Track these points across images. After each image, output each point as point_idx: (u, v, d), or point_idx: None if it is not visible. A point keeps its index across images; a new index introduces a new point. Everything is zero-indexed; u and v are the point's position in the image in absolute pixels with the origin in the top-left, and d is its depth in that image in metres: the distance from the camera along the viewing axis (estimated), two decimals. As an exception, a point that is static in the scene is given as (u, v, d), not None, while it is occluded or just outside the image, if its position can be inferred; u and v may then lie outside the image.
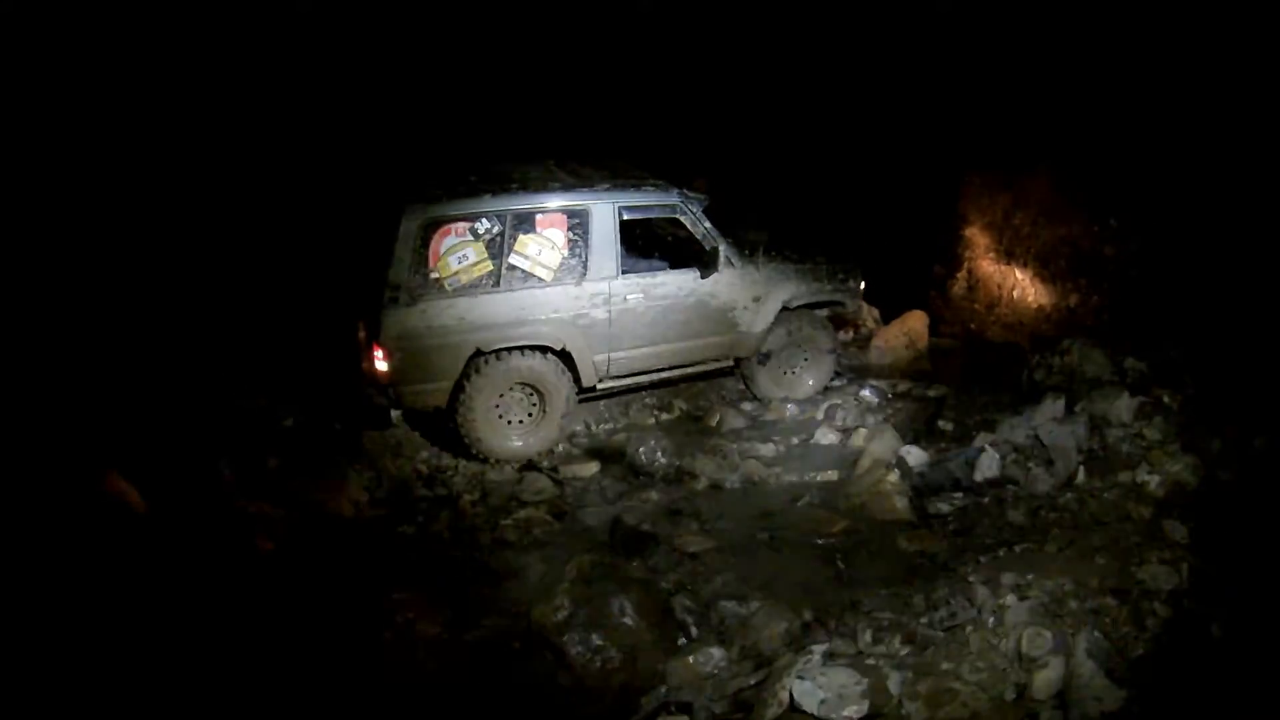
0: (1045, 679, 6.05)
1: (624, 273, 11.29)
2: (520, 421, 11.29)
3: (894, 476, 9.32)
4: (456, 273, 10.43)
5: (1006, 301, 14.53)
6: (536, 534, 9.46)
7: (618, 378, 11.77)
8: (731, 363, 12.53)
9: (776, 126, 17.53)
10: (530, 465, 11.09)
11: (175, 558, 8.27)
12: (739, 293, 11.90)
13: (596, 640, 6.98)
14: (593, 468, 11.00)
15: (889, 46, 15.56)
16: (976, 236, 15.28)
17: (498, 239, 10.55)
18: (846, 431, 11.27)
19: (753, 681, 6.74)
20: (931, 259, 16.03)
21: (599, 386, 11.69)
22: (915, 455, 9.76)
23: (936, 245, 15.92)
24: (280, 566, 8.75)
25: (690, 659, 7.05)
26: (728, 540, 8.88)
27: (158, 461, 9.73)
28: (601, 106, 17.31)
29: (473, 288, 10.58)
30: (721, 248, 11.50)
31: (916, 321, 14.05)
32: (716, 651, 7.11)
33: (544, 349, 11.06)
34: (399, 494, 10.53)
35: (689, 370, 12.33)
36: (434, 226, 10.30)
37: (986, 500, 8.86)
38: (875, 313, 15.16)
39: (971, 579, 7.25)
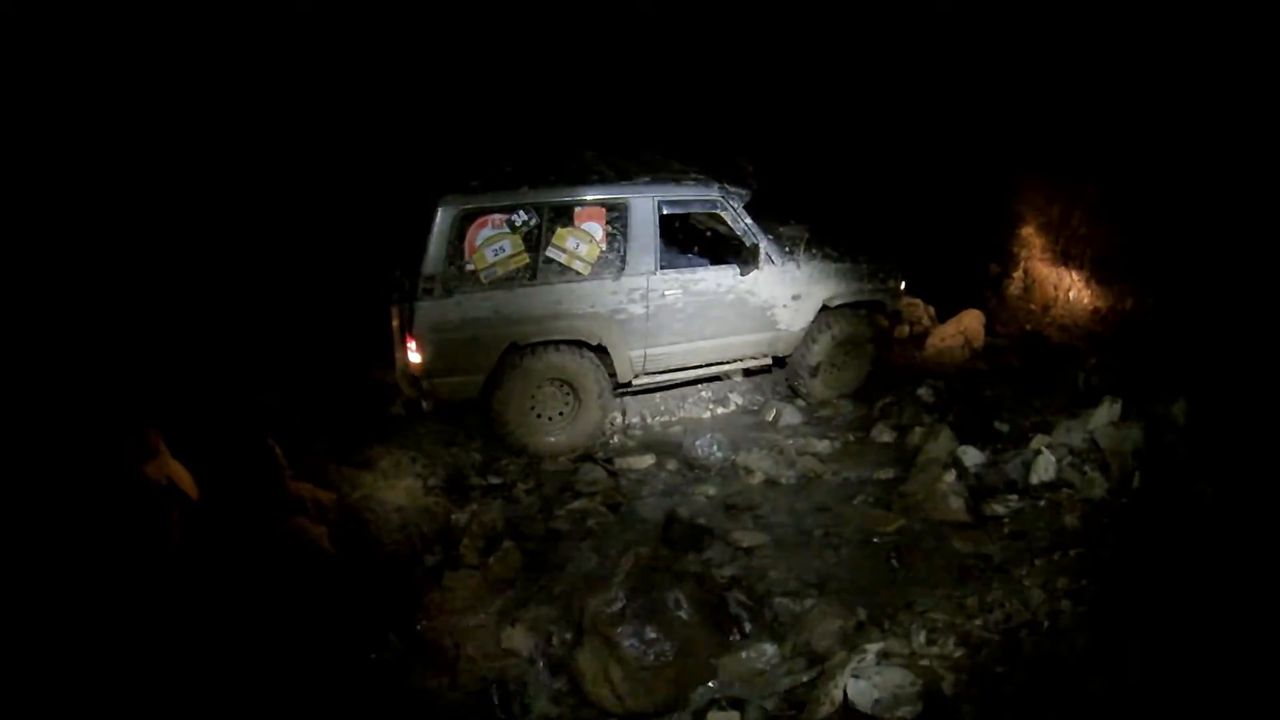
0: (1100, 685, 6.03)
1: (663, 268, 11.17)
2: (554, 417, 11.26)
3: (950, 476, 9.27)
4: (492, 265, 10.35)
5: (1062, 302, 14.44)
6: (590, 525, 9.49)
7: (654, 374, 11.69)
8: (769, 360, 12.48)
9: (837, 127, 17.50)
10: (586, 456, 11.09)
11: (232, 546, 8.33)
12: (779, 291, 11.82)
13: (650, 633, 6.95)
14: (648, 460, 10.91)
15: (949, 46, 15.49)
16: (1033, 236, 15.20)
17: (535, 231, 10.48)
18: (902, 430, 11.22)
19: (805, 679, 6.76)
20: (987, 258, 15.96)
21: (635, 383, 11.63)
22: (972, 455, 9.69)
23: (993, 245, 15.84)
24: (333, 556, 8.78)
25: (743, 655, 7.08)
26: (783, 536, 8.90)
27: (206, 444, 9.83)
28: (648, 100, 17.31)
29: (508, 280, 10.50)
30: (762, 245, 11.42)
31: (972, 321, 14.01)
32: (769, 648, 7.13)
33: (580, 344, 11.01)
34: (453, 482, 10.51)
35: (726, 367, 12.30)
36: (470, 218, 10.23)
37: (1042, 503, 8.76)
38: (931, 310, 15.11)
39: (1026, 582, 7.24)
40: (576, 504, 9.91)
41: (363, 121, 15.29)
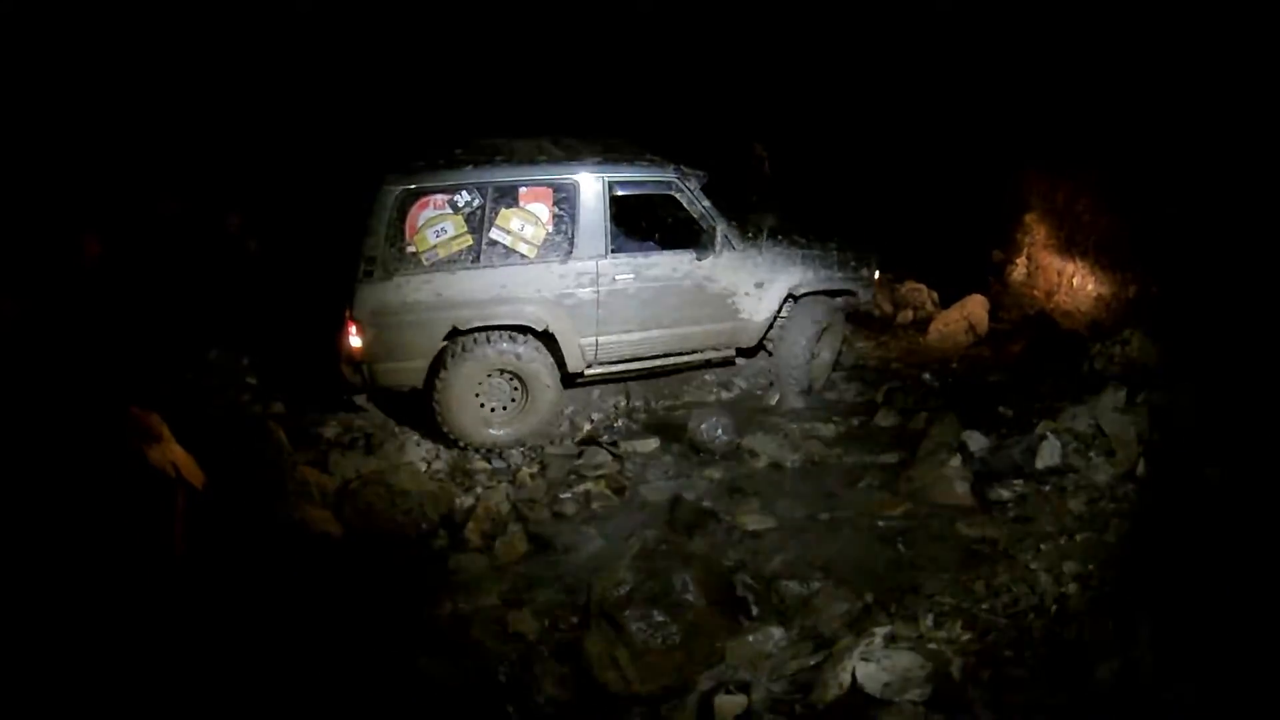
0: (1109, 668, 6.03)
1: (614, 251, 10.88)
2: (502, 409, 10.91)
3: (955, 461, 9.26)
4: (434, 247, 10.16)
5: (1066, 289, 14.45)
6: (595, 508, 9.47)
7: (607, 364, 11.32)
8: (733, 353, 12.03)
9: (843, 117, 17.53)
10: (590, 440, 11.04)
11: (237, 531, 8.34)
12: (740, 277, 11.48)
13: (657, 616, 6.97)
14: (653, 444, 10.84)
15: (954, 36, 15.50)
16: (1037, 223, 15.21)
17: (478, 213, 10.27)
18: (907, 414, 11.20)
19: (812, 662, 6.74)
20: (991, 244, 15.97)
21: (586, 373, 11.26)
22: (976, 440, 9.67)
23: (997, 231, 15.85)
24: (338, 540, 8.87)
25: (750, 638, 7.06)
26: (788, 520, 8.87)
27: (209, 429, 9.85)
28: (655, 92, 17.35)
29: (451, 263, 10.26)
30: (720, 228, 11.15)
31: (976, 306, 14.03)
32: (777, 631, 7.11)
33: (525, 329, 10.67)
34: (457, 466, 10.54)
35: (686, 359, 11.79)
36: (412, 198, 10.07)
37: (1047, 488, 8.76)
38: (934, 296, 15.15)
39: (1033, 566, 7.25)
40: (582, 487, 9.85)
41: (358, 110, 15.30)
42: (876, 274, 12.67)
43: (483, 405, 10.78)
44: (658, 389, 11.95)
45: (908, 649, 6.35)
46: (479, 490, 9.93)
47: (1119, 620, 6.33)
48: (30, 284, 11.80)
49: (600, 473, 10.16)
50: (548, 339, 10.76)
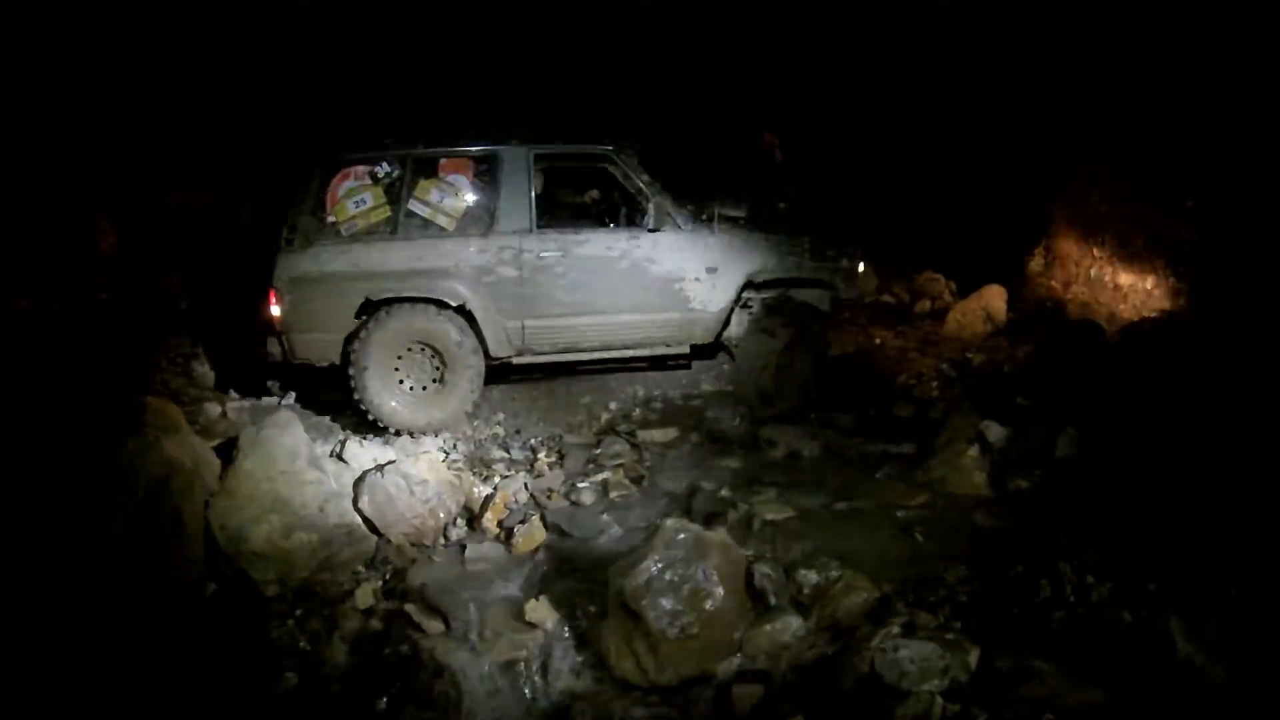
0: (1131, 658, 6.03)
1: (541, 227, 10.54)
2: (422, 388, 10.61)
3: (973, 451, 9.22)
4: (353, 218, 10.13)
5: (1084, 280, 14.42)
6: (614, 498, 9.48)
7: (539, 352, 10.92)
8: (687, 349, 11.28)
9: (854, 110, 17.53)
10: (608, 429, 11.02)
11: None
12: (687, 260, 10.84)
13: (676, 606, 6.93)
14: (671, 433, 10.82)
15: (970, 24, 15.46)
16: (1054, 213, 15.19)
17: (397, 184, 10.21)
18: (924, 404, 11.19)
19: (831, 652, 6.75)
20: (1009, 234, 15.93)
21: (516, 360, 10.92)
22: (995, 431, 9.62)
23: (1014, 221, 15.81)
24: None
25: (768, 628, 7.04)
26: (806, 509, 8.83)
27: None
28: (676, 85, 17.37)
29: (369, 234, 10.21)
30: (656, 202, 10.64)
31: (994, 296, 14.00)
32: (795, 621, 7.09)
33: (440, 304, 10.38)
34: (475, 455, 10.60)
35: (634, 352, 11.16)
36: (333, 169, 10.07)
37: (1067, 478, 8.78)
38: (952, 286, 15.14)
39: (1053, 558, 7.23)
40: (599, 477, 9.85)
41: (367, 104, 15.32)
42: (860, 266, 11.87)
43: (402, 382, 10.55)
44: (675, 378, 11.88)
45: (926, 639, 6.32)
46: (497, 480, 9.97)
47: (1146, 614, 6.32)
48: (47, 275, 11.85)
49: (618, 462, 10.16)
50: (469, 318, 10.49)
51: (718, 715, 6.68)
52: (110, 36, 13.37)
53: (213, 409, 10.91)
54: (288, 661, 7.71)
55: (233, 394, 11.37)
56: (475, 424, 11.11)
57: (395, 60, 16.44)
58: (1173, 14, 11.54)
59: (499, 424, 11.24)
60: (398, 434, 10.47)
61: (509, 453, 10.66)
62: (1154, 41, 12.00)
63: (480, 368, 10.61)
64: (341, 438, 10.22)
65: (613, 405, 11.54)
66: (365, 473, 9.30)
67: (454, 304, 10.36)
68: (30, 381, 10.57)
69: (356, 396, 10.33)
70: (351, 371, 10.25)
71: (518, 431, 11.18)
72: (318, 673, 7.63)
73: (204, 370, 11.84)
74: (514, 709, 7.08)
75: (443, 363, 10.52)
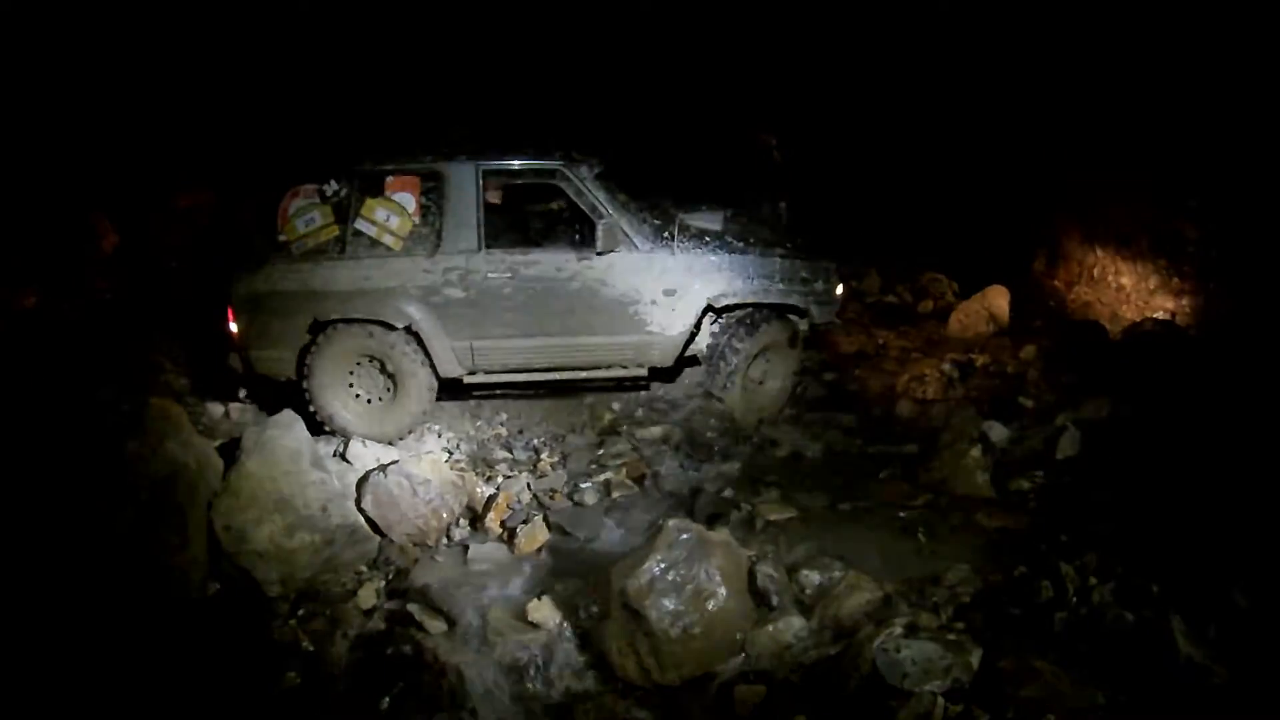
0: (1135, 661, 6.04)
1: (488, 247, 10.19)
2: (377, 399, 10.52)
3: (976, 452, 9.22)
4: (303, 236, 10.02)
5: (1087, 280, 14.44)
6: (616, 498, 9.46)
7: (491, 372, 10.64)
8: (645, 372, 10.85)
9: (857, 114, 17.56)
10: (611, 429, 10.92)
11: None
12: (643, 282, 10.39)
13: (678, 606, 6.96)
14: (674, 433, 10.68)
15: (974, 28, 15.48)
16: (1057, 213, 15.19)
17: (345, 202, 10.07)
18: (926, 404, 11.19)
19: (833, 652, 6.77)
20: (1013, 235, 15.93)
21: (467, 380, 10.63)
22: (997, 431, 9.66)
23: (1018, 221, 15.81)
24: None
25: (771, 628, 7.06)
26: (809, 509, 8.88)
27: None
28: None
29: (318, 253, 10.09)
30: (614, 223, 10.13)
31: (997, 297, 13.98)
32: (797, 621, 7.12)
33: (386, 325, 10.20)
34: (478, 455, 10.59)
35: (590, 374, 10.83)
36: (283, 186, 10.06)
37: (1068, 479, 8.80)
38: (955, 286, 15.13)
39: (1054, 559, 7.24)
40: (602, 477, 9.81)
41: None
42: (839, 289, 11.23)
43: (357, 395, 10.49)
44: (682, 376, 11.78)
45: (928, 640, 6.34)
46: (500, 480, 9.94)
47: (1147, 615, 6.33)
48: (49, 274, 11.89)
49: (621, 462, 10.09)
50: (418, 338, 10.33)
51: (720, 716, 6.71)
52: (119, 40, 13.45)
53: (215, 409, 10.98)
54: (291, 661, 7.71)
55: (236, 395, 11.38)
56: (478, 424, 11.12)
57: (397, 61, 16.48)
58: (1175, 19, 11.55)
59: (502, 424, 11.19)
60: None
61: (512, 453, 10.61)
62: (1156, 43, 12.01)
63: (430, 383, 10.51)
64: (344, 438, 10.17)
65: (615, 405, 11.47)
66: (368, 473, 9.27)
67: (399, 325, 10.21)
68: (35, 380, 10.62)
69: (311, 409, 10.24)
70: (305, 385, 10.27)
71: (520, 431, 11.11)
72: (321, 672, 7.64)
73: (207, 371, 11.87)
74: (517, 709, 7.07)
75: (392, 378, 10.43)
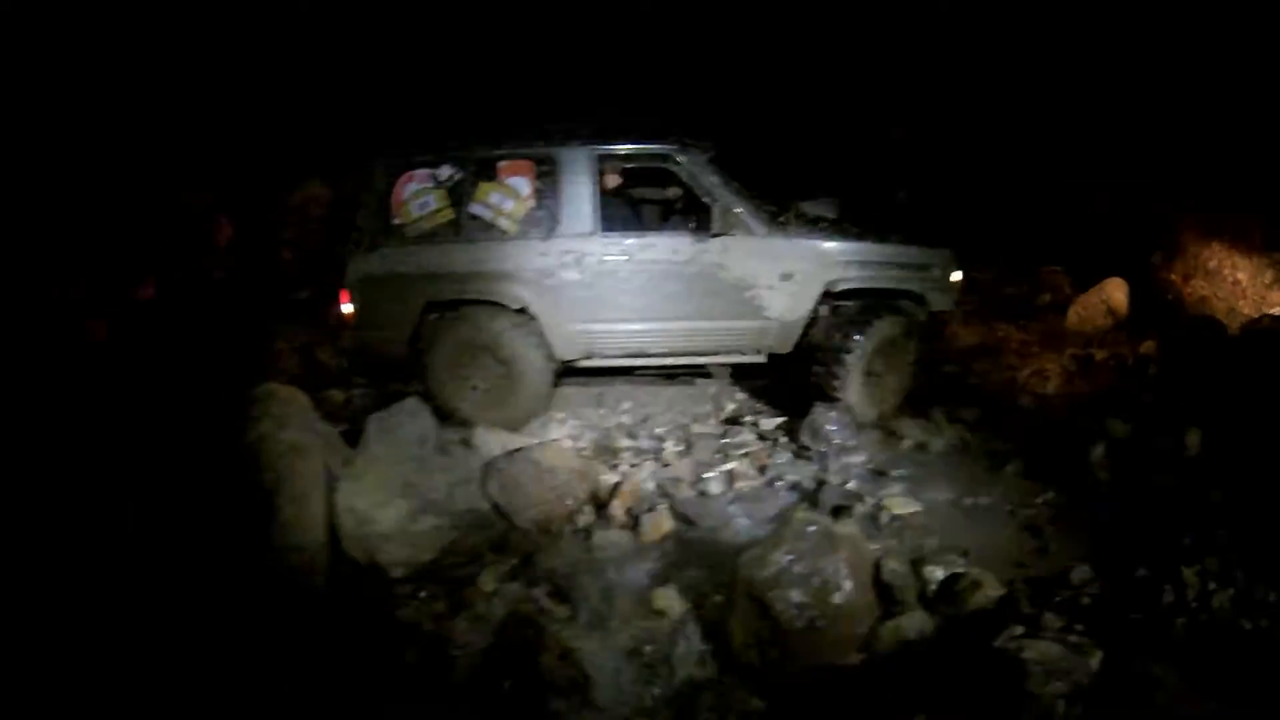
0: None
1: (605, 230, 10.45)
2: (487, 389, 10.75)
3: (1099, 449, 9.23)
4: (418, 220, 10.38)
5: (1203, 274, 14.29)
6: (740, 488, 9.49)
7: (607, 356, 10.92)
8: (763, 358, 11.01)
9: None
10: (735, 419, 11.01)
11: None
12: (760, 267, 10.45)
13: (804, 598, 6.98)
14: (797, 424, 10.56)
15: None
16: (1174, 207, 15.04)
17: (459, 186, 10.38)
18: (1048, 398, 11.14)
19: (956, 650, 6.76)
20: (1132, 228, 15.79)
21: (584, 363, 10.97)
22: (1118, 427, 9.61)
23: (1137, 214, 15.67)
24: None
25: (894, 624, 7.10)
26: (934, 504, 8.93)
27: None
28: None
29: (433, 236, 10.43)
30: (722, 205, 10.29)
31: (1115, 290, 13.88)
32: (920, 617, 7.12)
33: (501, 308, 10.51)
34: (602, 443, 10.69)
35: (705, 360, 11.19)
36: (397, 172, 10.27)
37: (1190, 479, 8.75)
38: (1071, 279, 15.01)
39: (1178, 562, 7.21)
40: (726, 466, 9.85)
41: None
42: (957, 276, 11.13)
43: (468, 380, 10.76)
44: (802, 366, 11.72)
45: (1051, 640, 6.34)
46: (624, 468, 10.03)
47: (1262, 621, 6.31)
48: (167, 266, 12.15)
49: (744, 452, 10.16)
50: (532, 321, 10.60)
51: (839, 710, 6.72)
52: (233, 40, 13.71)
53: (336, 395, 11.18)
54: (411, 642, 7.83)
55: (350, 378, 11.60)
56: (601, 412, 11.27)
57: (512, 49, 16.63)
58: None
59: (625, 413, 11.33)
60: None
61: (636, 441, 10.69)
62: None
63: (544, 367, 10.71)
64: (466, 425, 10.32)
65: (739, 395, 11.54)
66: (494, 458, 9.37)
67: (515, 307, 10.49)
68: (158, 368, 10.85)
69: (425, 391, 10.53)
70: (422, 378, 10.58)
71: (644, 420, 11.20)
72: (441, 653, 7.73)
73: (326, 358, 12.08)
74: (637, 694, 7.09)
75: (506, 365, 10.62)
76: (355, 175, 11.19)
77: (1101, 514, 8.56)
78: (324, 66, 15.41)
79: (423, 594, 8.34)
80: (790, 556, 7.09)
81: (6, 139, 13.09)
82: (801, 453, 10.20)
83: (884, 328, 10.67)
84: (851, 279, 10.59)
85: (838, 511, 8.65)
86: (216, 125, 14.40)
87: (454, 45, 16.68)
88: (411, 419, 9.20)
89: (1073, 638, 6.44)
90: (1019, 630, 6.49)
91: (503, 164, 10.42)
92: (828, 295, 10.66)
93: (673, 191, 11.58)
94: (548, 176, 10.38)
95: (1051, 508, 8.82)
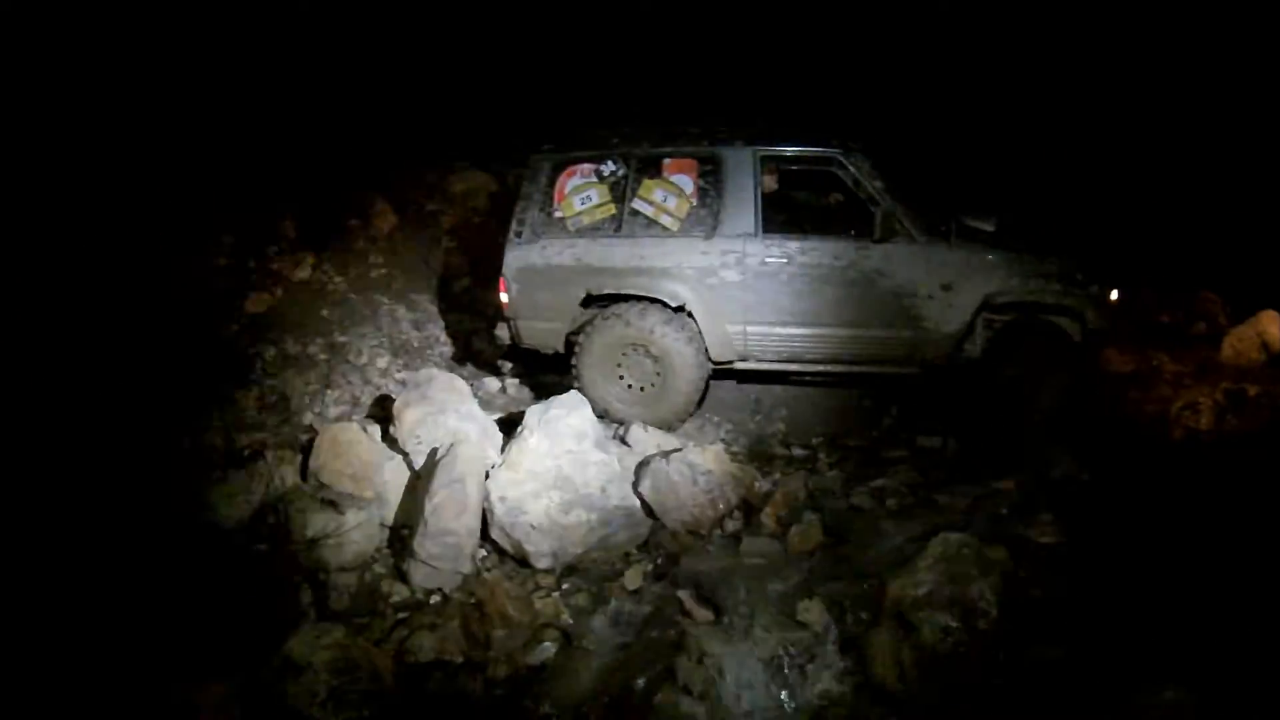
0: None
1: (766, 231, 10.40)
2: (640, 389, 10.83)
3: (1242, 494, 9.14)
4: (579, 213, 10.50)
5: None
6: (891, 505, 9.46)
7: (762, 360, 10.81)
8: (918, 370, 10.81)
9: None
10: (888, 435, 11.06)
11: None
12: (920, 274, 10.35)
13: (950, 622, 7.05)
14: (951, 444, 10.70)
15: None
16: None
17: (622, 182, 10.47)
18: (1199, 434, 10.95)
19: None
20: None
21: (739, 366, 10.89)
22: (1266, 474, 9.52)
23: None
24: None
25: (1038, 654, 7.08)
26: (1081, 536, 8.75)
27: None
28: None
29: (594, 230, 10.54)
30: (885, 210, 10.21)
31: (1270, 324, 13.62)
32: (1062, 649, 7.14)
33: (661, 305, 10.53)
34: (756, 450, 10.80)
35: (860, 369, 10.89)
36: (560, 166, 10.49)
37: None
38: (1228, 308, 14.81)
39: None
40: (879, 482, 9.84)
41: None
42: (1113, 294, 10.92)
43: (622, 378, 10.87)
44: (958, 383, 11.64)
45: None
46: (777, 476, 10.07)
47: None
48: (326, 249, 12.48)
49: (897, 468, 10.13)
50: (690, 320, 10.63)
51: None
52: (400, 34, 14.01)
53: (492, 384, 11.48)
54: (548, 631, 7.97)
55: (503, 368, 11.83)
56: (757, 419, 11.37)
57: (676, 47, 16.74)
58: None
59: (781, 421, 11.40)
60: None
61: (790, 450, 10.77)
62: None
63: (700, 370, 10.76)
64: (622, 423, 10.52)
65: (894, 410, 11.52)
66: (649, 458, 9.51)
67: (674, 304, 10.55)
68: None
69: (577, 385, 10.67)
70: (574, 362, 10.74)
71: (799, 430, 11.26)
72: (576, 645, 7.87)
73: (483, 346, 12.27)
74: (769, 703, 7.20)
75: (660, 363, 10.69)
76: (518, 167, 11.38)
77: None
78: (488, 58, 15.57)
79: (565, 586, 8.56)
80: (939, 579, 7.12)
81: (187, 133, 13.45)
82: (954, 473, 10.09)
83: (1039, 345, 10.73)
84: (1012, 290, 10.48)
85: (989, 538, 8.53)
86: (384, 116, 14.61)
87: (620, 41, 16.72)
88: (572, 413, 9.30)
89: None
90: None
91: (667, 161, 10.51)
92: (986, 307, 10.53)
93: (834, 195, 11.58)
94: (711, 176, 10.43)
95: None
